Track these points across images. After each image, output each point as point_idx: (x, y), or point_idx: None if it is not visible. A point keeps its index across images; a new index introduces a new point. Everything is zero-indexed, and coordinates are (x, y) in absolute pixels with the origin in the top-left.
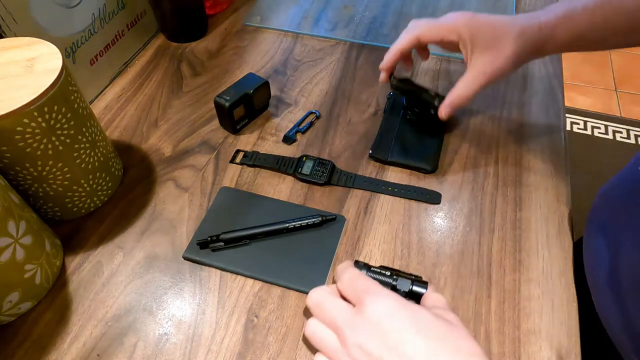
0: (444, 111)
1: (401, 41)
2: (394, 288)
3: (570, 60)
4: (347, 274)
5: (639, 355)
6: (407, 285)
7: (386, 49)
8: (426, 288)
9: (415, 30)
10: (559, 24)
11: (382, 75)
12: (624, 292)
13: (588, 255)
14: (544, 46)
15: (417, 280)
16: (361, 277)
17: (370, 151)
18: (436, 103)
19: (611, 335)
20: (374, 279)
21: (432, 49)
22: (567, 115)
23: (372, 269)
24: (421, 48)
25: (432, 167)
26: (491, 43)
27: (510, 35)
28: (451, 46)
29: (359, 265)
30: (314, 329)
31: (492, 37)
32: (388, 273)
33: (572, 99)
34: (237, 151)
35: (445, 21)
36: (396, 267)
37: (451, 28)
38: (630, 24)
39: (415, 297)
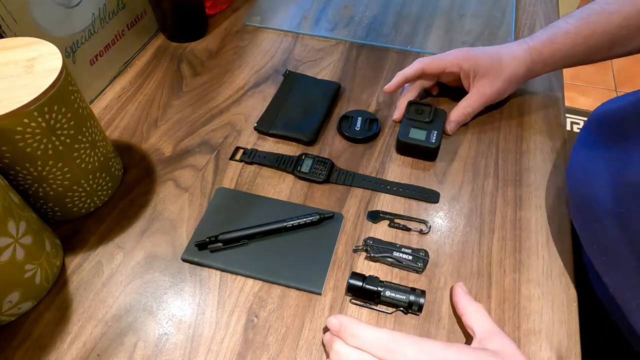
0: (449, 127)
1: (407, 70)
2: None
3: None
4: (353, 327)
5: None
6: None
7: (386, 49)
8: (423, 297)
9: (420, 62)
10: (544, 48)
11: (389, 88)
12: (628, 203)
13: (577, 173)
14: (534, 67)
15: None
16: (372, 327)
17: (256, 124)
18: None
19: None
20: (370, 291)
21: (432, 49)
22: (567, 115)
23: (365, 286)
24: (428, 80)
25: (309, 138)
26: (489, 70)
27: (504, 61)
28: (449, 77)
29: (357, 277)
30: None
31: (489, 65)
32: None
33: (572, 99)
34: (237, 148)
35: (447, 56)
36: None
37: (453, 62)
38: (609, 42)
39: (413, 307)
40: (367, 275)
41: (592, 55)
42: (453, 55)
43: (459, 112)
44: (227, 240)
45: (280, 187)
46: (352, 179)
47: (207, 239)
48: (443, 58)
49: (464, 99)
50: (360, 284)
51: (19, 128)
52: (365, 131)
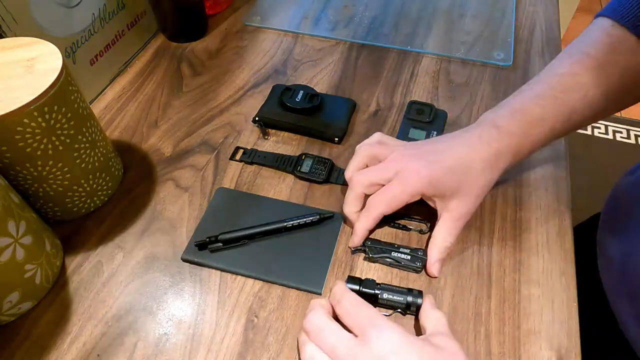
0: (434, 269)
1: (365, 222)
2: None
3: None
4: (346, 301)
5: None
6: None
7: (386, 49)
8: (421, 298)
9: (376, 209)
10: (520, 145)
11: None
12: (635, 293)
13: (601, 255)
14: (507, 166)
15: (410, 292)
16: (363, 305)
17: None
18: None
19: (624, 331)
20: (367, 294)
21: (432, 49)
22: None
23: (362, 289)
24: None
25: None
26: (458, 189)
27: (474, 172)
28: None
29: (353, 281)
30: (312, 354)
31: (457, 184)
32: (386, 295)
33: None
34: (237, 148)
35: (406, 188)
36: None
37: (413, 193)
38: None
39: (411, 308)
40: (363, 278)
41: (575, 127)
42: (414, 187)
43: (439, 249)
44: (227, 240)
45: (280, 187)
46: None
47: (207, 239)
48: (401, 196)
49: (437, 229)
50: (357, 288)
51: (19, 128)
52: (305, 103)
